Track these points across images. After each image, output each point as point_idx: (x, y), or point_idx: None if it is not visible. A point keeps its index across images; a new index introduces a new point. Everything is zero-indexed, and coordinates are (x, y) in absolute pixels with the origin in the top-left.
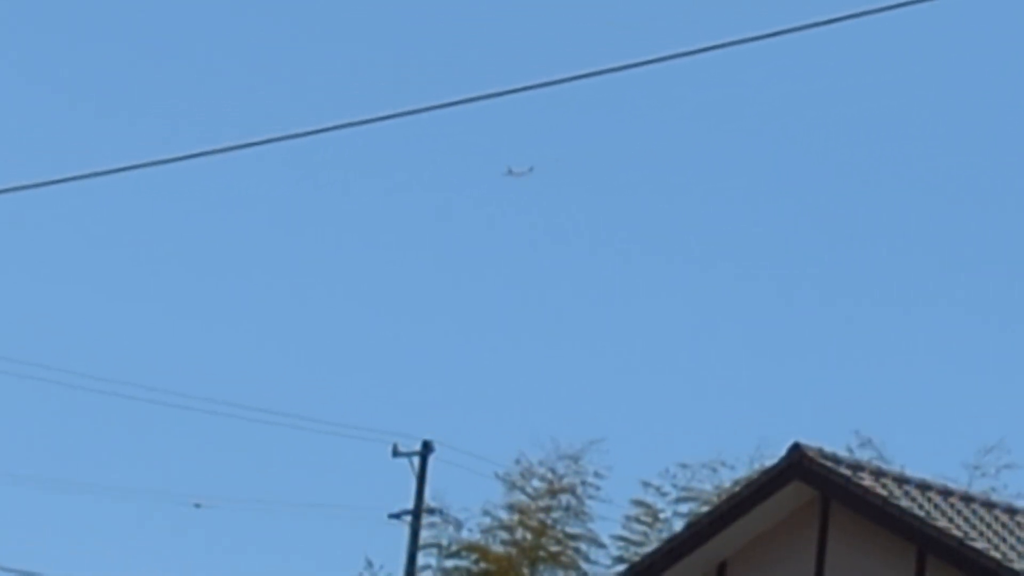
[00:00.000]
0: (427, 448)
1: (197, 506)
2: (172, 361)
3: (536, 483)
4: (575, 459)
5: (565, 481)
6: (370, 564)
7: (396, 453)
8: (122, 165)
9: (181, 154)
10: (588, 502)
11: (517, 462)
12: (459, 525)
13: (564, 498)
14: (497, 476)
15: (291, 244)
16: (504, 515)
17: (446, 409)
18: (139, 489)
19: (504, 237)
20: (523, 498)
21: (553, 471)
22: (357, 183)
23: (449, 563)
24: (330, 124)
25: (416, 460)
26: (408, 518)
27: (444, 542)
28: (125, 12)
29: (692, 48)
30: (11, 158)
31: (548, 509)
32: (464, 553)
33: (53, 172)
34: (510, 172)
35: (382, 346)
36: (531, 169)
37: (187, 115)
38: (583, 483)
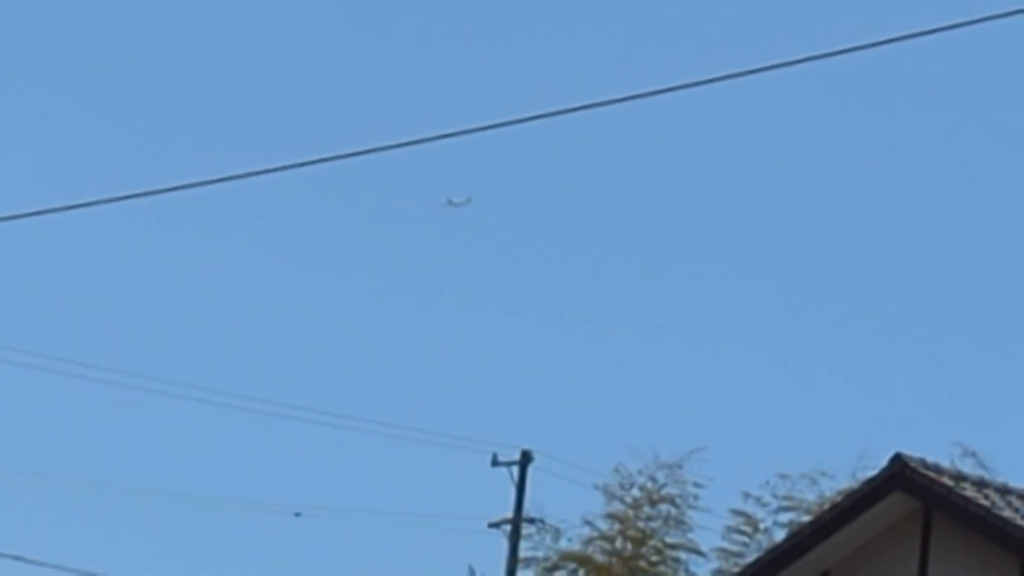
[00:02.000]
0: (526, 458)
1: (297, 515)
2: (273, 370)
3: (635, 493)
4: (675, 468)
5: (665, 491)
6: (472, 572)
7: (495, 463)
8: (220, 176)
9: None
10: (688, 512)
11: (616, 471)
12: (558, 534)
13: (664, 508)
14: (596, 486)
15: (390, 254)
16: (603, 525)
17: (545, 419)
18: (240, 498)
19: (607, 244)
20: (622, 508)
21: (653, 480)
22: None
23: (548, 573)
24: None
25: (515, 470)
26: (507, 528)
27: (543, 552)
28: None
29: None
30: (108, 173)
31: (648, 519)
32: (563, 563)
33: (141, 185)
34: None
35: (481, 356)
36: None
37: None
38: (683, 493)
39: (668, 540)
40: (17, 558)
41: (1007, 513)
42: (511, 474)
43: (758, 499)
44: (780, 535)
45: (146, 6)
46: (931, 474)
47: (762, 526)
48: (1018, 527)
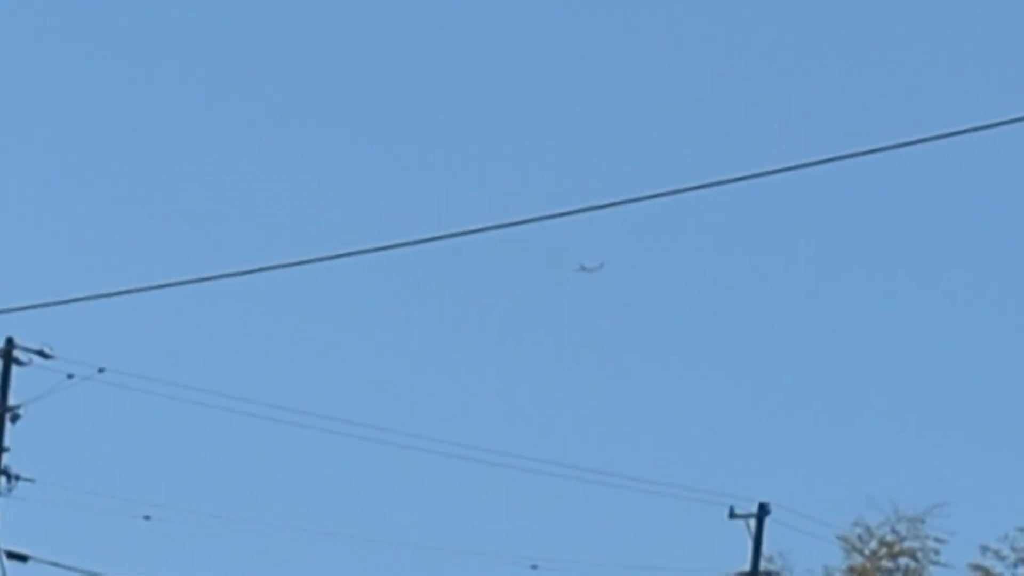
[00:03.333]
0: (763, 510)
1: (534, 567)
2: (509, 422)
3: (874, 546)
4: (916, 522)
5: (905, 544)
6: None
7: (732, 515)
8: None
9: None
10: (929, 567)
11: (855, 525)
12: None
13: (903, 561)
14: (835, 539)
15: (628, 315)
16: None
17: (783, 471)
18: (477, 551)
19: (843, 302)
20: (861, 560)
21: (895, 532)
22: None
23: None
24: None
25: (752, 522)
26: None
27: None
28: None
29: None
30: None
31: (887, 572)
32: None
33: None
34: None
35: (718, 409)
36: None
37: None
38: (923, 547)
39: None
40: None
41: None
42: (748, 527)
43: (996, 552)
44: None
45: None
46: None
47: None
48: None
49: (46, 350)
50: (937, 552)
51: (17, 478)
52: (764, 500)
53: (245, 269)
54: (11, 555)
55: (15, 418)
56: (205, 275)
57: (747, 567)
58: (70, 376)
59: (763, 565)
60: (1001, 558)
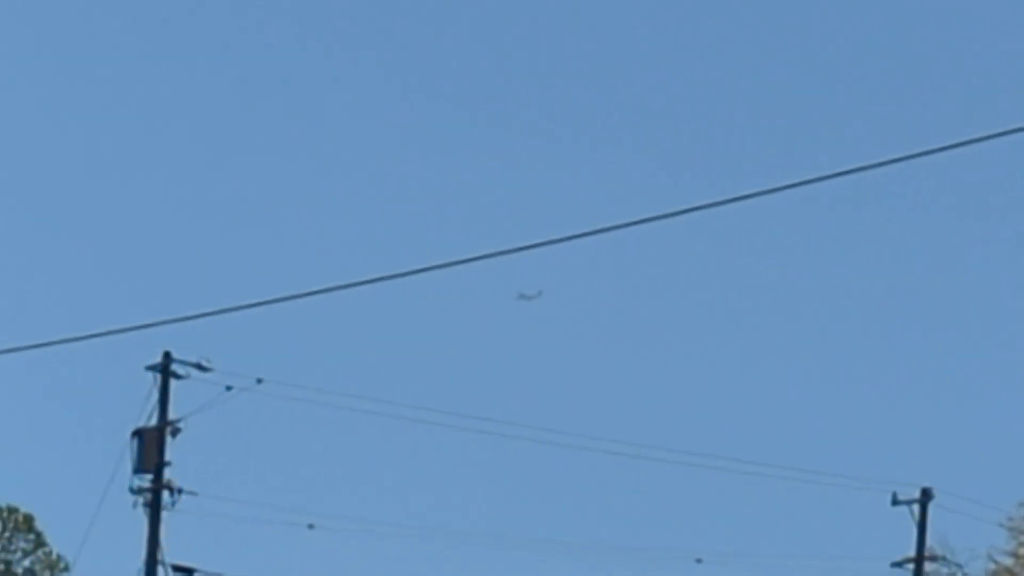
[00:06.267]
0: (926, 495)
1: (698, 561)
2: (671, 419)
3: None
4: None
5: None
6: None
7: (895, 502)
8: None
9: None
10: None
11: (1021, 506)
12: (963, 572)
13: None
14: (1000, 524)
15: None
16: (1009, 561)
17: (945, 456)
18: (640, 547)
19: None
20: None
21: None
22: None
23: None
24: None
25: (916, 508)
26: (911, 566)
27: None
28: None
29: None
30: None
31: None
32: None
33: None
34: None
35: (879, 397)
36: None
37: None
38: None
39: None
40: None
41: None
42: (912, 512)
43: None
44: None
45: None
46: None
47: None
48: None
49: (204, 363)
50: None
51: (180, 492)
52: (927, 485)
53: (397, 272)
54: (177, 568)
55: (175, 432)
56: (359, 280)
57: (912, 553)
58: (229, 388)
59: (928, 550)
60: None
